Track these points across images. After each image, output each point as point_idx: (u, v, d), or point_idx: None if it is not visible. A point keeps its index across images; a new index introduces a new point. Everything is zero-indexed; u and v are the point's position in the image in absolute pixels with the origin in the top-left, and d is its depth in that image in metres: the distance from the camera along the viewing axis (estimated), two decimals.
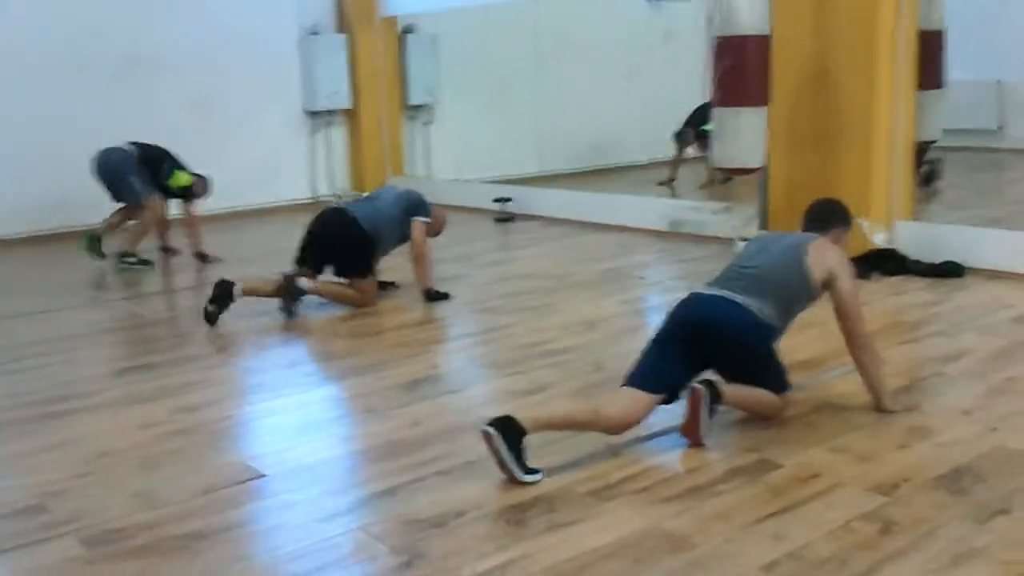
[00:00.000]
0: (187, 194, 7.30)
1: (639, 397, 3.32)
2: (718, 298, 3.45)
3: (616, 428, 3.28)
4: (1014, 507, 2.79)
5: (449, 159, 10.85)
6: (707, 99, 6.58)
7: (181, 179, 7.21)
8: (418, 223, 5.58)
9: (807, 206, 3.86)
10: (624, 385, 3.38)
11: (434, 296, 5.61)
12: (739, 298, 3.40)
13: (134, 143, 7.18)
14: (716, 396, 3.29)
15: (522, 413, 3.11)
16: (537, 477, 3.06)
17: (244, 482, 3.18)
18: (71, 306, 5.94)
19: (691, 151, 10.32)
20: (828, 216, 3.77)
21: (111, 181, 7.06)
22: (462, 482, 3.10)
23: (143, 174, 7.07)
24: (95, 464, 3.39)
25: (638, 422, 3.32)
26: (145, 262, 7.09)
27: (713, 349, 3.41)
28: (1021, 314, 4.87)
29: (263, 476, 3.22)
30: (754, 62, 5.76)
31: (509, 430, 3.04)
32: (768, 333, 3.45)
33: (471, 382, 4.30)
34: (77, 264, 7.19)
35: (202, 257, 7.14)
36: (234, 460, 3.40)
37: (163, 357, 4.72)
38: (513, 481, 3.02)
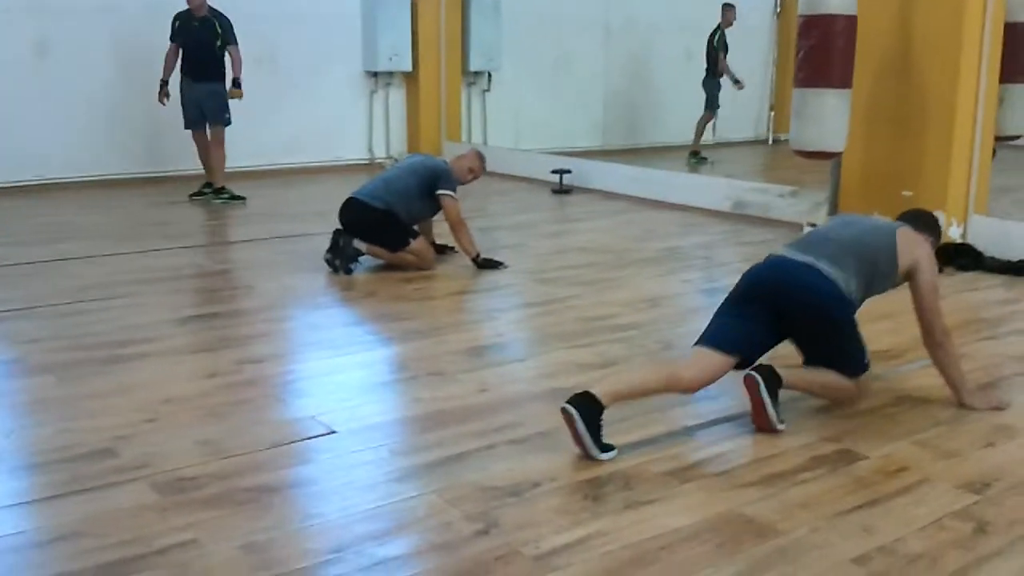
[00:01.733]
0: None
1: (713, 358, 3.22)
2: (803, 264, 3.32)
3: (690, 390, 3.23)
4: None
5: (506, 127, 10.77)
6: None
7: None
8: (445, 197, 5.48)
9: (896, 208, 3.76)
10: (697, 344, 3.30)
11: (485, 264, 5.54)
12: (824, 267, 3.28)
13: None
14: (775, 380, 3.19)
15: (599, 387, 3.03)
16: (612, 454, 2.99)
17: (313, 437, 3.14)
18: (137, 251, 5.93)
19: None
20: (924, 220, 3.65)
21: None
22: (535, 452, 3.03)
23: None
24: (161, 410, 3.36)
25: (712, 382, 3.24)
26: (237, 197, 7.64)
27: (794, 317, 3.29)
28: None
29: (333, 432, 3.17)
30: (840, 42, 5.59)
31: (587, 407, 2.96)
32: (850, 308, 3.32)
33: (537, 352, 4.22)
34: (145, 209, 7.22)
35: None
36: (302, 415, 3.36)
37: (227, 307, 4.70)
38: (589, 458, 2.95)
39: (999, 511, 2.68)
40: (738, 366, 3.27)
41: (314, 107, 9.48)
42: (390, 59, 9.89)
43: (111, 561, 2.34)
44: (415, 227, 5.58)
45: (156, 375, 3.73)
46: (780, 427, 3.20)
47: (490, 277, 5.41)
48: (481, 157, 5.90)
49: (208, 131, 7.80)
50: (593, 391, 3.00)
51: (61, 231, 6.62)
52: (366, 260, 5.51)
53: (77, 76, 8.27)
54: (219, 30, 7.69)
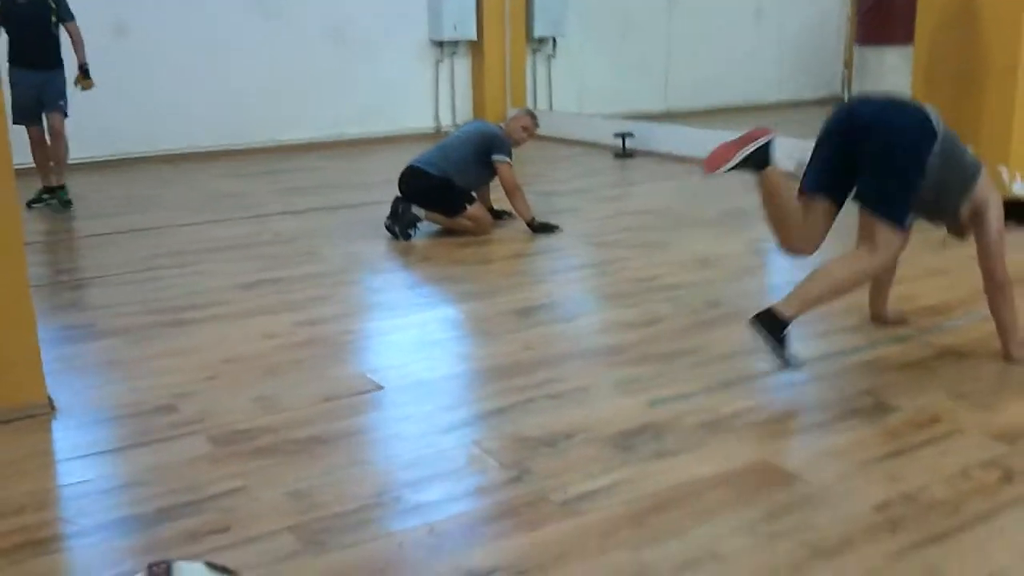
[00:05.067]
0: None
1: (816, 215, 3.40)
2: (896, 97, 3.49)
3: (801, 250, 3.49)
4: None
5: (571, 93, 10.79)
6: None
7: None
8: (499, 163, 5.56)
9: None
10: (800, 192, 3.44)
11: (540, 228, 5.62)
12: (927, 107, 3.34)
13: None
14: (775, 324, 3.18)
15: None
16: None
17: (363, 393, 3.29)
18: (204, 221, 6.17)
19: None
20: None
21: None
22: (572, 406, 3.13)
23: None
24: (220, 369, 3.55)
25: (819, 237, 3.44)
26: (68, 202, 6.66)
27: (870, 134, 3.30)
28: None
29: (381, 388, 3.32)
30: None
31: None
32: (930, 142, 3.22)
33: (583, 311, 4.31)
34: (210, 182, 7.47)
35: None
36: (354, 372, 3.52)
37: (290, 273, 4.87)
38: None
39: None
40: (840, 204, 3.42)
41: (381, 77, 9.65)
42: (455, 28, 9.99)
43: (166, 507, 2.52)
44: (472, 193, 5.69)
45: (218, 337, 3.92)
46: (796, 367, 3.25)
47: (545, 241, 5.49)
48: (532, 115, 5.98)
49: (46, 123, 6.51)
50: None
51: (132, 204, 6.90)
52: (425, 226, 5.64)
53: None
54: (52, 4, 6.46)
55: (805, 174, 3.47)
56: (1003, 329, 3.45)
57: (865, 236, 3.31)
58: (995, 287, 3.40)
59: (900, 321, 3.86)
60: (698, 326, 3.91)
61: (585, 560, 2.24)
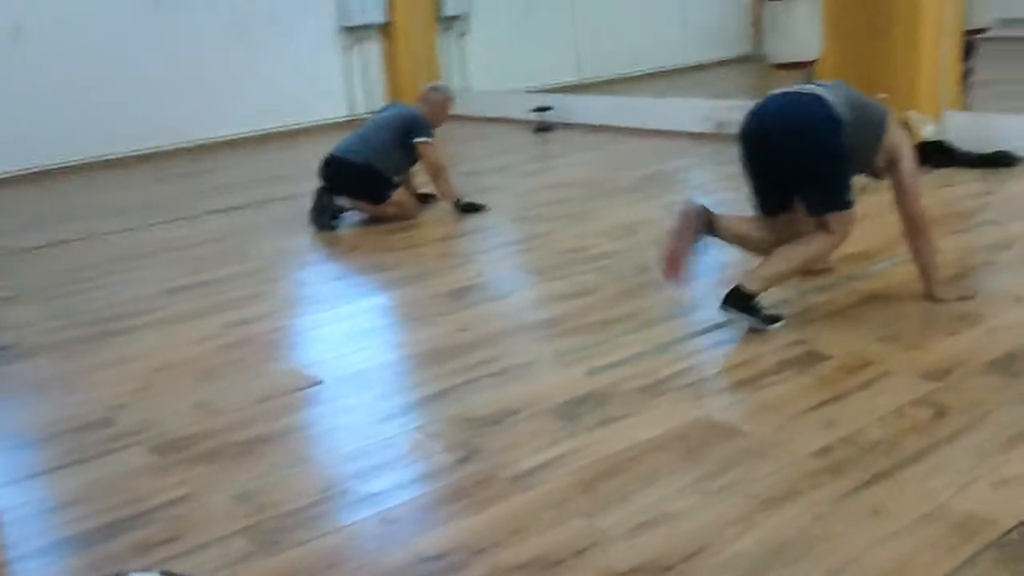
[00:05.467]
0: None
1: (782, 222, 3.51)
2: (791, 92, 3.47)
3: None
4: None
5: (486, 70, 10.74)
6: None
7: None
8: (422, 145, 5.52)
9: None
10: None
11: (467, 208, 5.61)
12: (819, 90, 3.39)
13: None
14: (741, 298, 3.32)
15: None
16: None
17: (302, 389, 3.26)
18: (124, 229, 6.03)
19: None
20: None
21: None
22: (514, 383, 3.15)
23: None
24: (155, 378, 3.49)
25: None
26: None
27: (780, 149, 3.38)
28: None
29: (320, 383, 3.29)
30: None
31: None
32: (840, 131, 3.28)
33: (515, 288, 4.33)
34: (123, 189, 7.30)
35: None
36: (291, 368, 3.48)
37: (215, 274, 4.79)
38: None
39: (958, 395, 2.79)
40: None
41: (292, 68, 9.49)
42: (363, 11, 9.87)
43: (112, 521, 2.47)
44: (396, 179, 5.65)
45: (149, 345, 3.85)
46: (774, 327, 3.37)
47: (472, 221, 5.49)
48: (444, 88, 5.95)
49: None
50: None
51: (48, 216, 6.72)
52: (351, 215, 5.59)
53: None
54: None
55: (753, 202, 3.57)
56: (924, 270, 3.55)
57: (819, 223, 3.41)
58: (914, 229, 3.49)
59: (824, 270, 3.94)
60: (629, 293, 3.95)
61: (541, 533, 2.26)
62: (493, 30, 10.76)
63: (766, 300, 3.39)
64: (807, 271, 3.65)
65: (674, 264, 3.42)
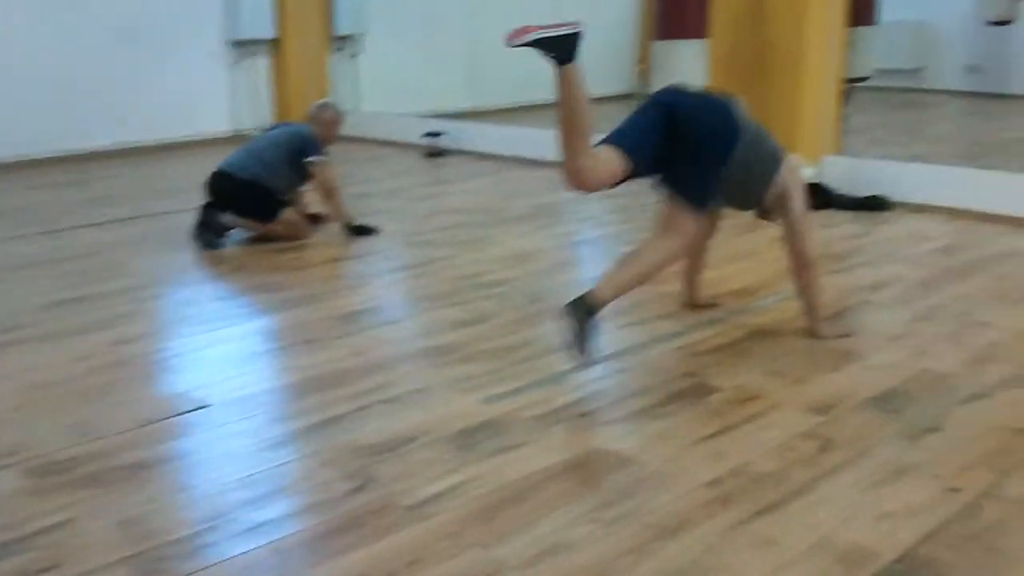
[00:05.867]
0: None
1: (612, 154, 3.33)
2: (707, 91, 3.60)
3: (586, 182, 3.30)
4: (943, 426, 2.92)
5: (378, 92, 10.68)
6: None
7: None
8: (316, 164, 5.43)
9: None
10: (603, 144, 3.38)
11: (358, 230, 5.55)
12: (733, 101, 3.49)
13: None
14: (586, 309, 3.22)
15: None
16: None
17: (187, 412, 3.15)
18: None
19: None
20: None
21: None
22: (409, 409, 3.12)
23: None
24: (30, 397, 3.32)
25: (608, 176, 3.30)
26: None
27: (688, 128, 3.39)
28: (942, 245, 5.05)
29: (206, 407, 3.19)
30: None
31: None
32: (736, 142, 3.38)
33: (409, 313, 4.30)
34: (2, 197, 6.98)
35: None
36: (175, 391, 3.36)
37: (95, 289, 4.61)
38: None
39: (841, 429, 2.89)
40: (634, 173, 3.36)
41: (175, 80, 9.25)
42: (252, 26, 9.71)
43: None
44: (285, 197, 5.55)
45: (23, 363, 3.67)
46: (592, 361, 3.28)
47: (364, 244, 5.43)
48: (332, 106, 5.83)
49: None
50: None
51: None
52: (238, 233, 5.47)
53: None
54: None
55: (614, 131, 3.46)
56: (809, 307, 3.68)
57: (665, 223, 3.46)
58: (801, 267, 3.63)
59: (712, 305, 4.05)
60: (524, 321, 3.97)
61: (438, 563, 2.23)
62: (388, 52, 10.73)
63: (655, 330, 3.45)
64: (651, 280, 3.52)
65: (519, 31, 3.19)
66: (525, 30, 3.14)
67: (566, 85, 3.21)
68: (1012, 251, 4.94)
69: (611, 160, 3.30)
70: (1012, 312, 4.00)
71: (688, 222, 3.42)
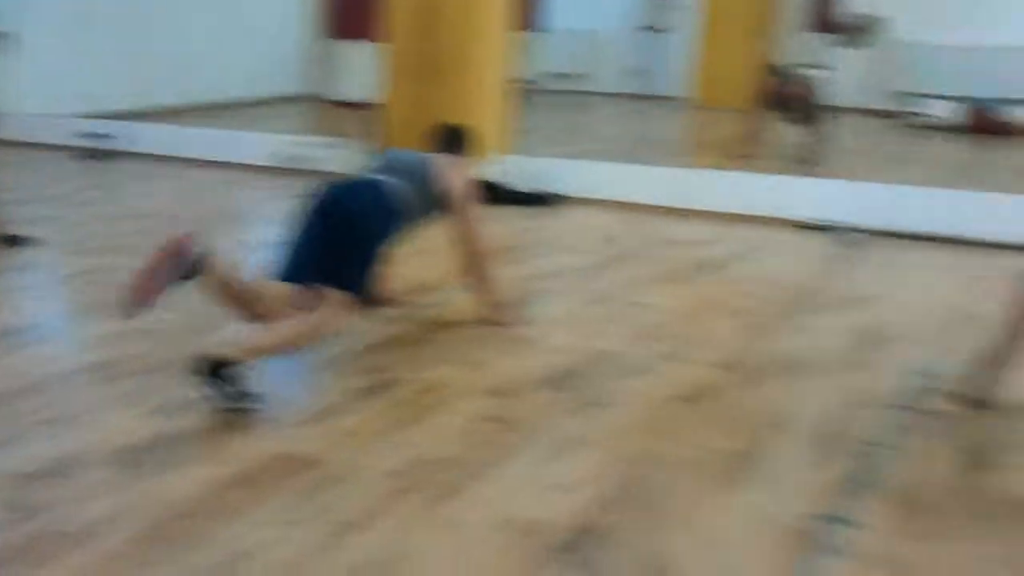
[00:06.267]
0: None
1: (278, 288, 3.31)
2: (361, 180, 3.51)
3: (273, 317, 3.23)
4: (611, 402, 3.12)
5: (37, 92, 9.84)
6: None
7: None
8: None
9: (435, 128, 4.05)
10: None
11: (12, 241, 5.10)
12: (383, 179, 3.48)
13: None
14: (220, 365, 2.93)
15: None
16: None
17: None
18: None
19: None
20: (456, 141, 3.95)
21: None
22: (71, 430, 2.89)
23: None
24: None
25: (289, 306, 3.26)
26: None
27: (338, 218, 3.34)
28: (607, 235, 5.42)
29: None
30: None
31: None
32: (398, 217, 3.44)
33: (69, 328, 3.99)
34: None
35: None
36: None
37: None
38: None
39: (518, 410, 3.03)
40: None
41: None
42: None
43: None
44: None
45: None
46: (248, 405, 3.00)
47: (19, 255, 4.98)
48: None
49: None
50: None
51: None
52: None
53: None
54: None
55: (278, 263, 3.38)
56: (486, 302, 3.82)
57: (316, 299, 3.28)
58: (477, 268, 3.76)
59: (392, 301, 4.09)
60: (195, 330, 3.79)
61: None
62: (47, 50, 9.91)
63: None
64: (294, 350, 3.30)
65: (142, 292, 3.10)
66: (148, 285, 3.12)
67: (212, 286, 3.25)
68: (669, 238, 5.39)
69: (279, 302, 3.29)
70: (670, 293, 4.36)
71: (346, 304, 3.30)
